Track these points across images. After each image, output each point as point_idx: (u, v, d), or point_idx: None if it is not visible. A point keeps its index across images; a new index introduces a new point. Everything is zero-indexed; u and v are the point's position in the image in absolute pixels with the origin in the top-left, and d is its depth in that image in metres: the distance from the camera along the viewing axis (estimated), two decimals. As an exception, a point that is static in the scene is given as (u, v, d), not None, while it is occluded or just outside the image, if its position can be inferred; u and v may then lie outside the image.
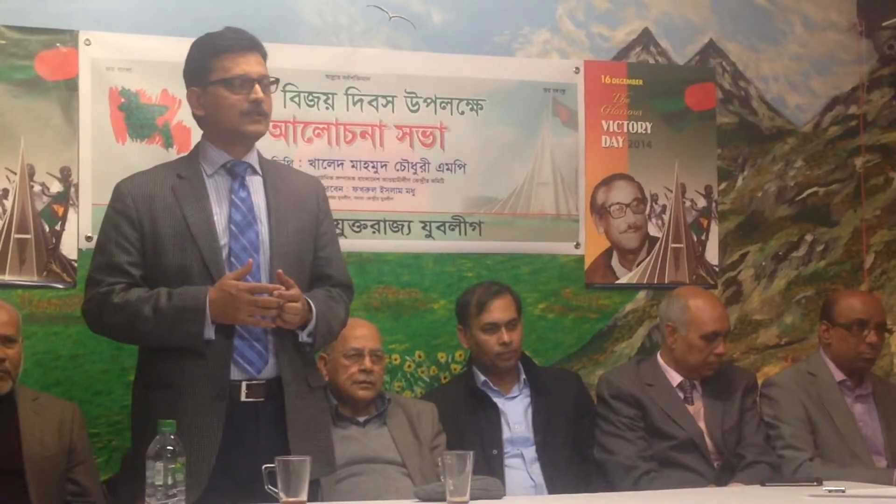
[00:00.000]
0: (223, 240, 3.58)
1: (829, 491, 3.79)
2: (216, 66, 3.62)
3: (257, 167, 3.71)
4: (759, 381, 4.90)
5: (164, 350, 3.53)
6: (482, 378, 4.59)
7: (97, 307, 3.58)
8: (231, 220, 3.60)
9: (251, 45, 3.65)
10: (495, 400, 4.55)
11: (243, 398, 3.54)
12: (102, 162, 4.47)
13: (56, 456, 4.05)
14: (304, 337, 3.62)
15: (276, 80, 3.72)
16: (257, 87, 3.62)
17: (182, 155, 3.86)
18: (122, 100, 4.59)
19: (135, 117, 4.59)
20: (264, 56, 3.70)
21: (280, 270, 3.51)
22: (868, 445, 4.68)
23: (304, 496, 3.25)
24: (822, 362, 4.80)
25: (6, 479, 3.94)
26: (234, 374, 3.54)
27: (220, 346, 3.51)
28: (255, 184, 3.69)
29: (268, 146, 4.59)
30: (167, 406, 3.37)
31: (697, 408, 4.62)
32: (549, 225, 5.08)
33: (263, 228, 3.63)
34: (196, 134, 3.89)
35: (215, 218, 3.59)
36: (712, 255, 5.32)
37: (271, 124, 4.60)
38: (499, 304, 4.57)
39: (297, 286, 3.53)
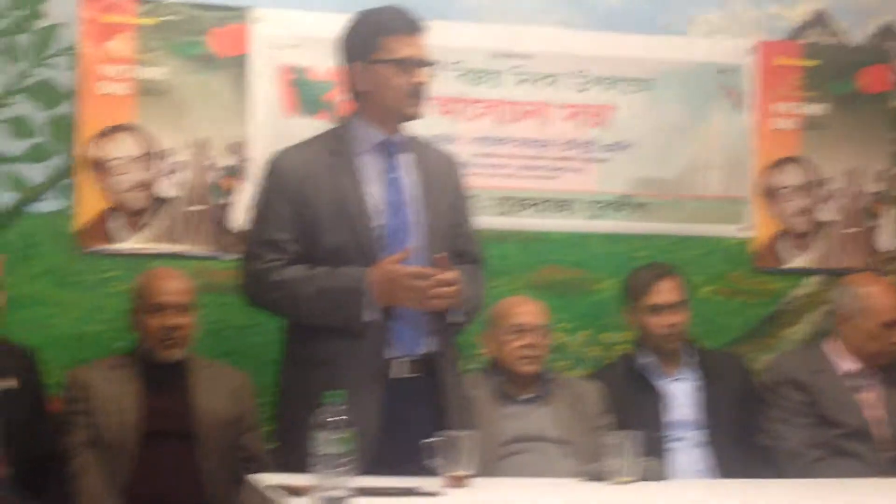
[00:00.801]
0: (378, 220, 3.59)
1: None
2: (384, 44, 3.62)
3: (407, 145, 3.72)
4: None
5: (319, 328, 3.56)
6: (647, 360, 4.54)
7: (256, 283, 3.61)
8: (385, 199, 3.61)
9: (418, 28, 3.66)
10: (660, 382, 4.50)
11: (398, 375, 3.57)
12: (272, 137, 4.52)
13: (227, 422, 4.15)
14: (456, 316, 3.62)
15: (434, 64, 3.71)
16: (424, 70, 3.62)
17: (329, 129, 3.84)
18: (292, 76, 4.65)
19: (303, 93, 4.64)
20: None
21: (440, 255, 3.52)
22: None
23: (469, 470, 3.25)
24: None
25: (180, 442, 4.06)
26: (391, 352, 3.56)
27: (378, 326, 3.53)
28: (407, 162, 3.70)
29: (433, 123, 4.63)
30: (323, 384, 3.30)
31: (868, 396, 4.51)
32: (718, 207, 5.00)
33: (416, 208, 3.64)
34: (363, 109, 3.91)
35: (370, 197, 3.60)
36: (886, 241, 5.17)
37: (438, 101, 4.69)
38: (665, 285, 4.52)
39: (455, 269, 3.53)
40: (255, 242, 3.64)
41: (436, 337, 3.61)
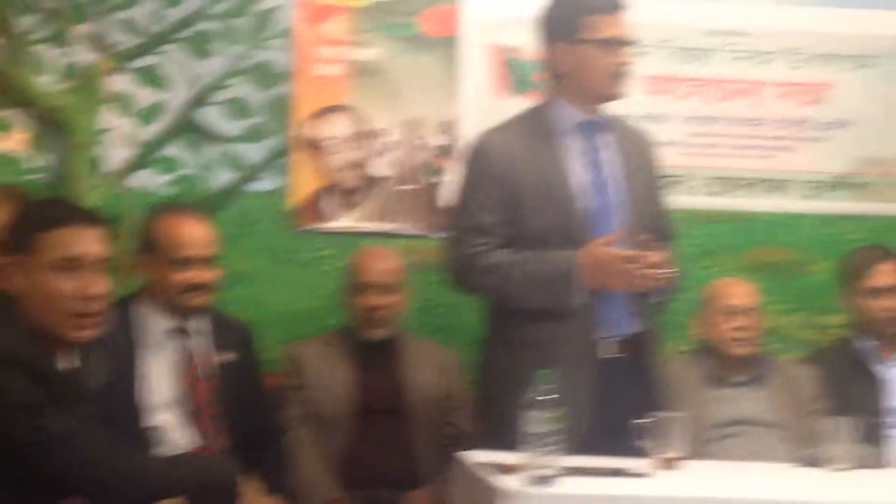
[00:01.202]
0: (584, 201, 3.57)
1: None
2: (588, 24, 3.58)
3: (607, 125, 3.69)
4: None
5: (526, 311, 3.55)
6: (865, 344, 4.41)
7: (463, 268, 3.61)
8: (589, 180, 3.59)
9: (621, 6, 3.62)
10: (879, 367, 4.38)
11: (607, 355, 3.55)
12: (483, 117, 4.51)
13: (436, 399, 4.19)
14: (659, 296, 3.60)
15: (636, 43, 3.66)
16: (626, 50, 3.59)
17: (529, 109, 3.81)
18: (502, 55, 4.66)
19: (514, 73, 4.65)
20: None
21: (646, 237, 3.48)
22: None
23: (679, 452, 3.22)
24: None
25: (389, 418, 4.13)
26: (598, 332, 3.55)
27: (588, 308, 3.52)
28: (607, 142, 3.67)
29: (643, 102, 4.60)
30: (532, 365, 3.25)
31: None
32: (940, 187, 4.84)
33: (619, 188, 3.61)
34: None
35: (575, 179, 3.58)
36: None
37: (648, 80, 4.65)
38: (886, 268, 4.38)
39: (661, 251, 3.49)
40: (461, 227, 3.63)
41: (640, 317, 3.60)
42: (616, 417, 3.41)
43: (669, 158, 4.16)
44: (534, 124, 3.68)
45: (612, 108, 3.72)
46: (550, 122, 3.65)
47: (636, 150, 3.72)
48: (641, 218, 3.60)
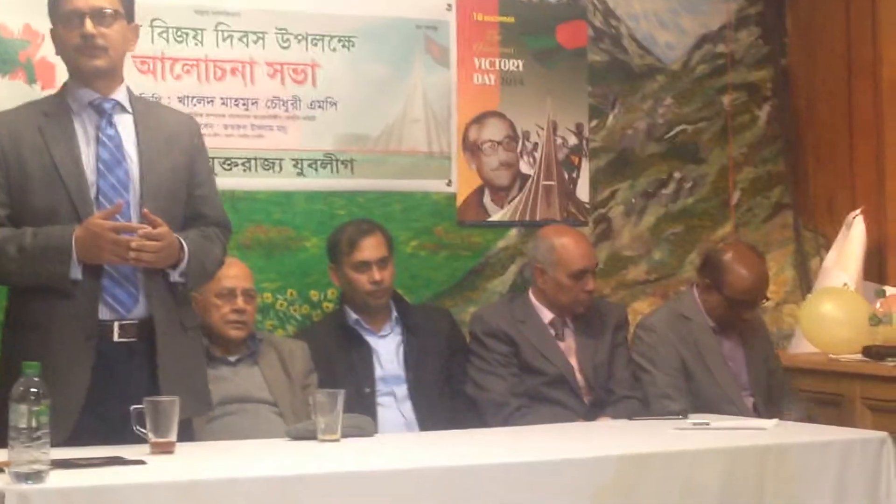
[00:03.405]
0: (91, 178, 3.51)
1: (694, 424, 3.89)
2: (60, 2, 3.56)
3: (127, 105, 3.64)
4: (631, 318, 4.96)
5: (31, 290, 3.48)
6: (354, 316, 4.58)
7: None
8: (99, 158, 3.53)
9: None
10: (367, 338, 4.56)
11: (115, 339, 3.50)
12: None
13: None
14: (175, 276, 3.57)
15: (116, 12, 3.57)
16: (88, 20, 3.51)
17: (49, 93, 3.78)
18: (-25, 34, 4.47)
19: (-6, 52, 4.48)
20: None
21: (146, 210, 3.46)
22: (738, 385, 4.73)
23: (173, 437, 3.24)
24: (696, 306, 4.77)
25: None
26: (105, 314, 3.49)
27: (88, 285, 3.46)
28: (125, 121, 3.62)
29: (136, 83, 4.51)
30: (35, 347, 3.32)
31: (568, 344, 4.66)
32: (422, 162, 5.08)
33: (133, 166, 3.56)
34: (61, 69, 3.79)
35: (83, 157, 3.52)
36: (583, 192, 5.35)
37: (139, 60, 4.60)
38: (370, 242, 4.56)
39: (164, 225, 3.47)
40: None
41: (155, 298, 3.55)
42: (121, 402, 3.37)
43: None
44: (47, 106, 3.61)
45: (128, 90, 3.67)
46: (64, 103, 3.59)
47: (165, 131, 3.66)
48: (164, 197, 3.57)
